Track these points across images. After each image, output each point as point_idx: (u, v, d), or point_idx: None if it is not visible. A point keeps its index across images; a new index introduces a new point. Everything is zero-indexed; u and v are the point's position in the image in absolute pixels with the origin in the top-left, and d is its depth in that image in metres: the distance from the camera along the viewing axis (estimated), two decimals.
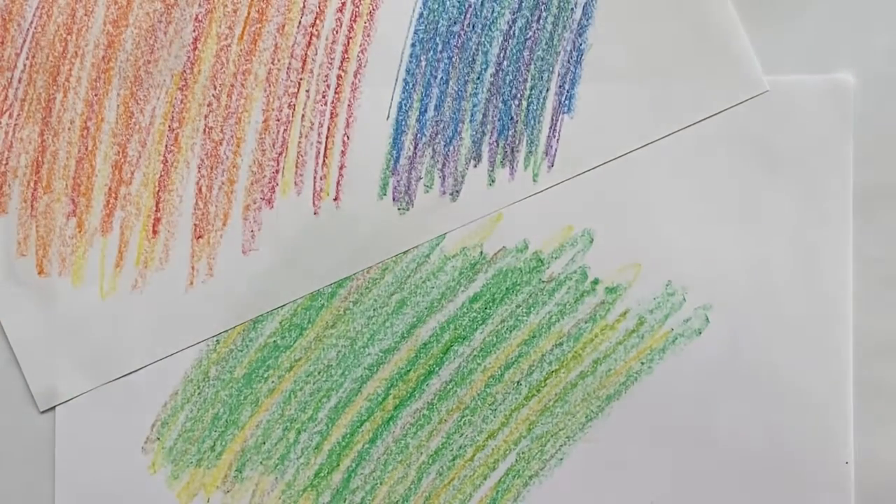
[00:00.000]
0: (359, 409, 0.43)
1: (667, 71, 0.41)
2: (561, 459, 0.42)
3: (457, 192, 0.42)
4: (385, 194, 0.42)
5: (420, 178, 0.41)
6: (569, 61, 0.41)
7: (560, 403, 0.43)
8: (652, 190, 0.42)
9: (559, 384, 0.43)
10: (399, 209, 0.42)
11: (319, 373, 0.43)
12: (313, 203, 0.42)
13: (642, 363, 0.42)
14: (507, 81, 0.41)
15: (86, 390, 0.43)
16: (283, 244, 0.42)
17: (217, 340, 0.43)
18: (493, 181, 0.42)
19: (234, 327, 0.43)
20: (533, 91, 0.42)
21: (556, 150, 0.42)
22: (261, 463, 0.43)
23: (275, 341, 0.43)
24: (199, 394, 0.43)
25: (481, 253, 0.43)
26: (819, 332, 0.42)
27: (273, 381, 0.43)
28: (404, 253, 0.42)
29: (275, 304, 0.43)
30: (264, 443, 0.43)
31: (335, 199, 0.42)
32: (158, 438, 0.43)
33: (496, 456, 0.43)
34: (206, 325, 0.43)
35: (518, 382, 0.43)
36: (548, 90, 0.41)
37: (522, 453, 0.43)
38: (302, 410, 0.43)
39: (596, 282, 0.42)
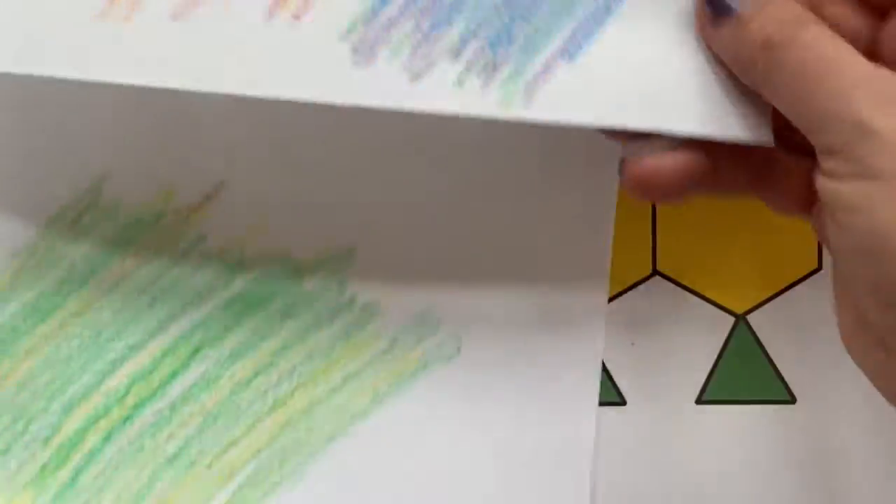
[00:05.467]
0: (95, 405, 0.41)
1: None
2: (301, 476, 0.42)
3: (419, 75, 0.34)
4: (350, 34, 0.33)
5: (388, 42, 0.34)
6: (594, 14, 0.34)
7: (304, 418, 0.42)
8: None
9: (305, 398, 0.42)
10: (355, 61, 0.34)
11: (58, 363, 0.41)
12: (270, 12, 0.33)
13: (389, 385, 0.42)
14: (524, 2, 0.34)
15: None
16: None
17: None
18: (461, 83, 0.34)
19: None
20: (544, 24, 0.34)
21: (541, 89, 0.34)
22: None
23: (14, 324, 0.41)
24: None
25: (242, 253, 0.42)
26: None
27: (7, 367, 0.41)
28: (168, 244, 0.41)
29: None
30: None
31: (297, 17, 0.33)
32: None
33: (236, 465, 0.42)
34: None
35: (265, 392, 0.42)
36: (559, 31, 0.34)
37: (262, 465, 0.42)
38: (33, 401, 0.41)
39: (353, 297, 0.42)
